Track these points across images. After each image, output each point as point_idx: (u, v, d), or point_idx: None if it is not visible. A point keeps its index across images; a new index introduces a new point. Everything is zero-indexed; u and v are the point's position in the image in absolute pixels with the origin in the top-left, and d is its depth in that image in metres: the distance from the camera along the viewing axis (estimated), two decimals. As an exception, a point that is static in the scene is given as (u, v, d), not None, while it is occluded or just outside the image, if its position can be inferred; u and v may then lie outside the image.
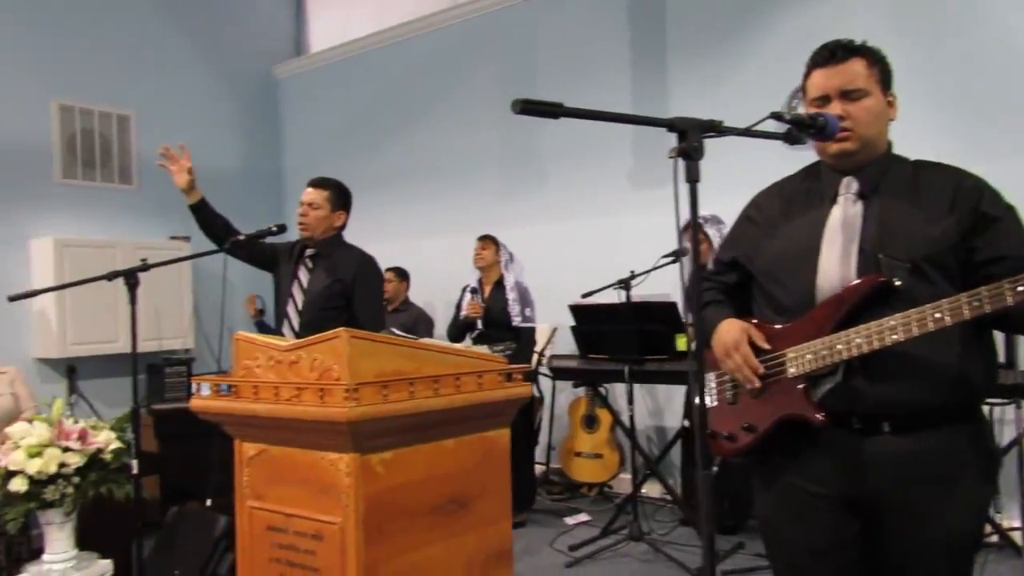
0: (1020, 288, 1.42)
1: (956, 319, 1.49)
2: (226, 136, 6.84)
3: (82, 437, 3.04)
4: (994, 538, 3.70)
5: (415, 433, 2.00)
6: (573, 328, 4.17)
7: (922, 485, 1.61)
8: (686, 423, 4.21)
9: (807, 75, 1.79)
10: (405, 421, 1.94)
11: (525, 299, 4.70)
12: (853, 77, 1.69)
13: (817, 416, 1.65)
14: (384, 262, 3.63)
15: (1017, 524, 3.78)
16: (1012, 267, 1.50)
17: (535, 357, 4.92)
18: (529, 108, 1.24)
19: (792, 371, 1.71)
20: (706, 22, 5.08)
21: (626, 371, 3.96)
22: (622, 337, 3.95)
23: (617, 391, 5.09)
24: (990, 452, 1.76)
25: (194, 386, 2.18)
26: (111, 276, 2.79)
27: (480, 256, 4.84)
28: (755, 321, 1.83)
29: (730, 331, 1.80)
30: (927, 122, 3.97)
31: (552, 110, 1.27)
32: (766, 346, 1.77)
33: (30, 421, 3.05)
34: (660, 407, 5.17)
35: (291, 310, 3.19)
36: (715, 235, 4.15)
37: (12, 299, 2.86)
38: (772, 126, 1.59)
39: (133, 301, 2.76)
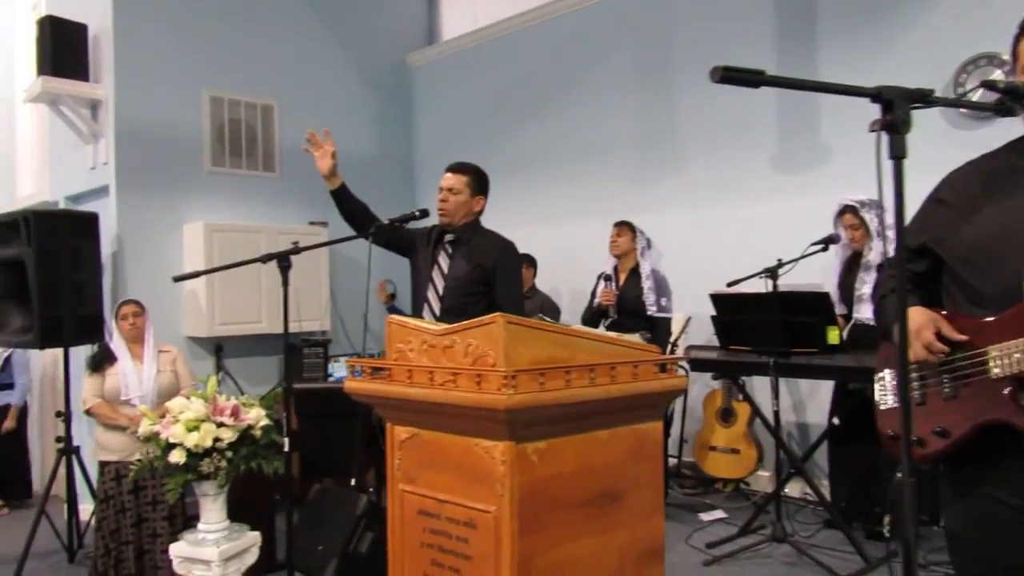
0: None
1: None
2: (361, 124, 7.01)
3: (235, 413, 3.16)
4: None
5: (569, 423, 1.94)
6: (713, 318, 4.00)
7: None
8: (835, 421, 3.96)
9: (1018, 39, 1.59)
10: (560, 410, 1.87)
11: (662, 288, 4.55)
12: None
13: (1028, 423, 1.47)
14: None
15: None
16: None
17: (667, 348, 4.78)
18: (729, 76, 1.15)
19: (996, 371, 1.53)
20: (862, -9, 4.75)
21: (771, 364, 3.77)
22: (767, 328, 3.75)
23: (754, 384, 4.88)
24: None
25: (347, 368, 2.20)
26: (266, 258, 2.88)
27: (616, 243, 4.72)
28: (944, 313, 1.66)
29: (914, 318, 1.63)
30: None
31: (753, 78, 1.17)
32: (960, 337, 1.59)
33: (188, 397, 3.22)
34: (802, 401, 4.91)
35: (431, 295, 3.19)
36: (873, 220, 3.88)
37: (177, 279, 3.00)
38: (981, 97, 1.42)
39: (286, 283, 2.83)
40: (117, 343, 4.14)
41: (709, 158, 5.35)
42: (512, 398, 1.75)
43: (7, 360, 5.95)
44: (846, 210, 4.13)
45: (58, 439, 4.80)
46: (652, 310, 4.49)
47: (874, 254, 3.95)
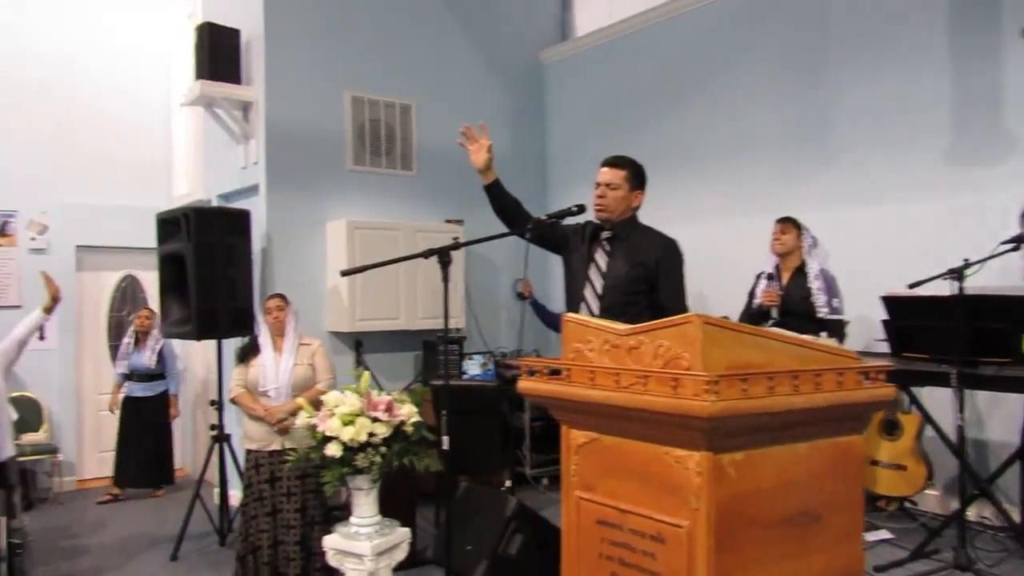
0: None
1: None
2: (495, 122, 6.94)
3: (388, 409, 3.15)
4: None
5: (769, 434, 1.77)
6: (885, 322, 3.69)
7: None
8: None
9: None
10: (762, 420, 1.72)
11: (832, 288, 4.23)
12: None
13: None
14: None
15: None
16: None
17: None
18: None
19: None
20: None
21: (954, 374, 3.43)
22: (949, 335, 3.42)
23: (922, 394, 4.50)
24: None
25: (522, 368, 2.11)
26: (427, 254, 2.85)
27: (780, 240, 4.43)
28: None
29: None
30: None
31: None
32: None
33: (341, 391, 3.23)
34: (980, 416, 4.47)
35: (589, 294, 3.07)
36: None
37: (344, 274, 3.02)
38: None
39: (446, 278, 2.80)
40: (263, 335, 4.24)
41: (867, 153, 4.97)
42: (715, 405, 1.61)
43: (160, 352, 6.28)
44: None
45: (211, 427, 5.01)
46: (824, 312, 4.18)
47: None
